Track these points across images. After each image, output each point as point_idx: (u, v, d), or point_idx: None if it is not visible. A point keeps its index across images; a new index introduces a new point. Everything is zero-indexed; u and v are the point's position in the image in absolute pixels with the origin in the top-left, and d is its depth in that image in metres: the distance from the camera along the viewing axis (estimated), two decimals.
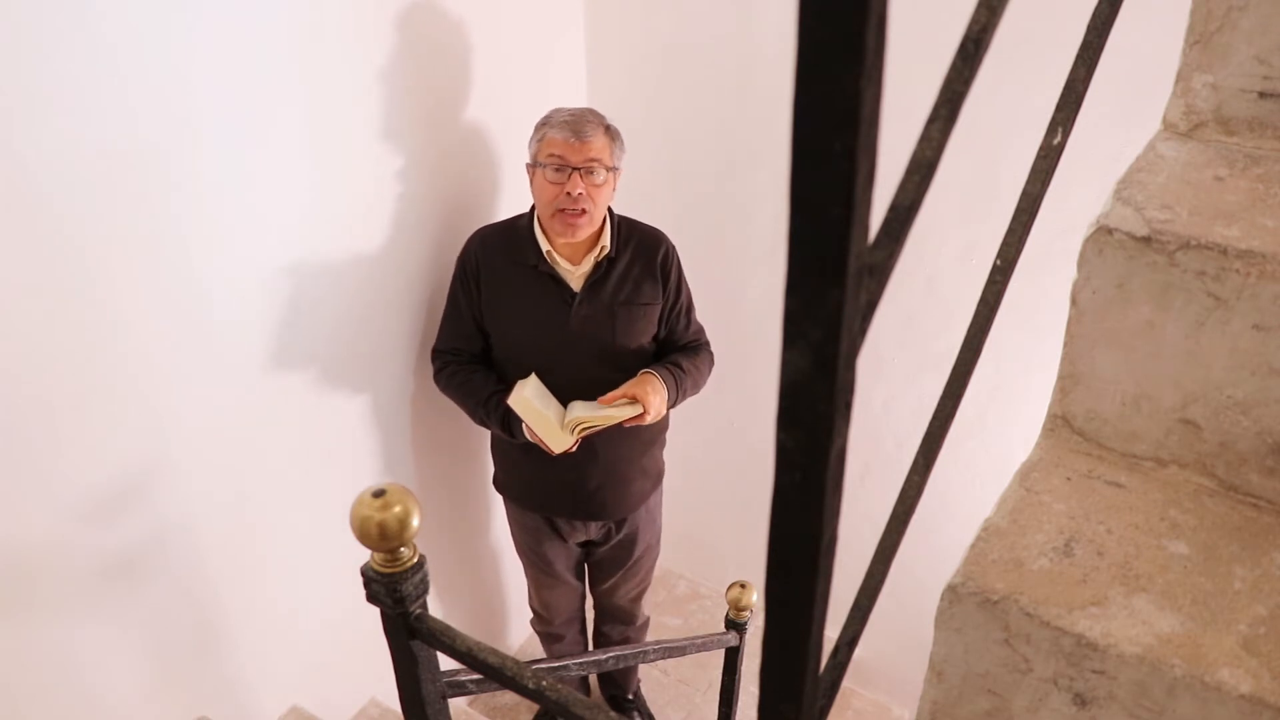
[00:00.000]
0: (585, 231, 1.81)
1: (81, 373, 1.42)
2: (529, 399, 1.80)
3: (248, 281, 1.64)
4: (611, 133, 1.83)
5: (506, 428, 1.90)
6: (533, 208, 1.90)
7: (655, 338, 1.97)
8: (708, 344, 2.05)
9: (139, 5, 1.33)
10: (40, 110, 1.26)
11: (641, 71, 2.36)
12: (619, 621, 2.44)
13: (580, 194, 1.76)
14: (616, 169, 1.85)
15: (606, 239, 1.86)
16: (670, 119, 2.38)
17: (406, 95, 1.84)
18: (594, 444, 1.93)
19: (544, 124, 1.83)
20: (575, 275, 1.88)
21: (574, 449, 1.84)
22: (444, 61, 1.93)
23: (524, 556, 2.29)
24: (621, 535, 2.17)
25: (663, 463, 2.18)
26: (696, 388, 1.98)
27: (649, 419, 1.82)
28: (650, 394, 1.82)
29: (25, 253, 1.30)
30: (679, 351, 1.98)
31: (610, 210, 1.90)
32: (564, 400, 1.86)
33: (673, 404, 1.90)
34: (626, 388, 1.82)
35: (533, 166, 1.84)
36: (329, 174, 1.73)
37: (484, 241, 1.94)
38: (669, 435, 2.17)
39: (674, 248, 1.94)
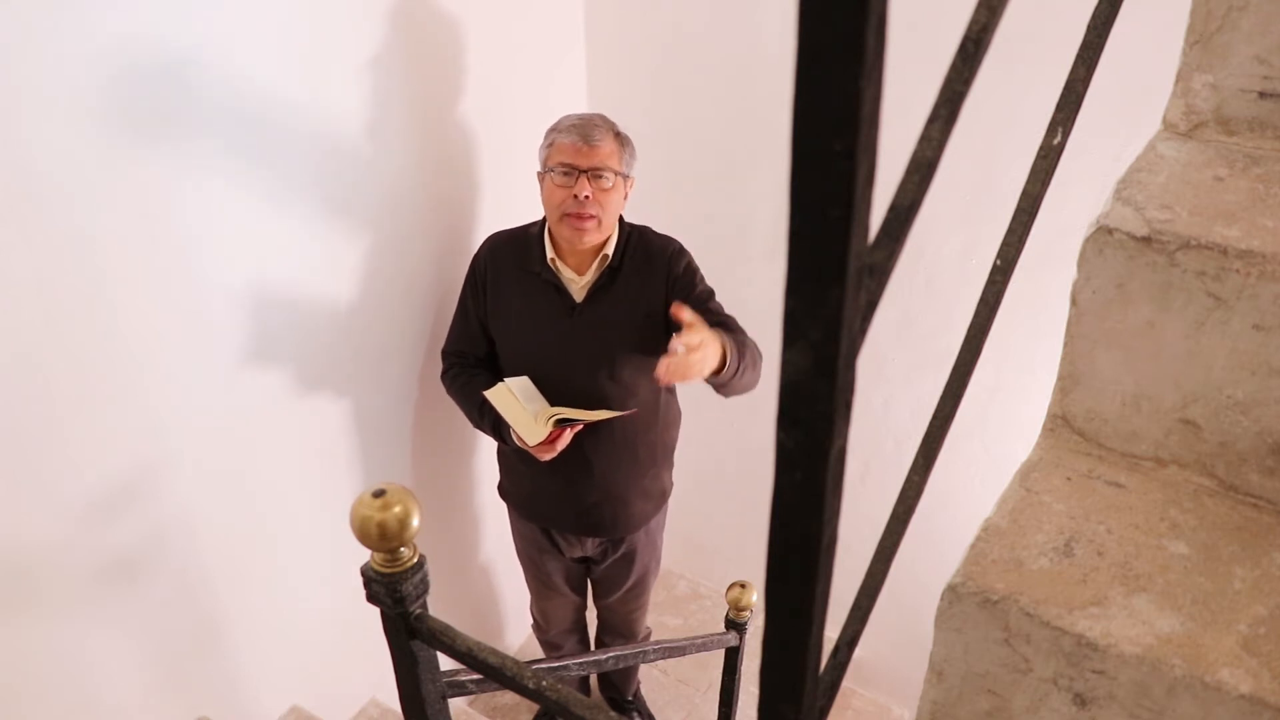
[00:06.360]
0: (593, 237, 1.79)
1: (82, 372, 1.42)
2: (505, 389, 1.78)
3: (249, 282, 1.64)
4: (621, 139, 1.81)
5: (497, 431, 1.89)
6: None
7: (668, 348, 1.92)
8: (745, 333, 1.79)
9: (141, 5, 1.33)
10: (42, 109, 1.26)
11: (641, 72, 2.36)
12: (619, 635, 2.45)
13: (587, 197, 1.73)
14: (627, 176, 1.82)
15: (611, 248, 1.84)
16: (670, 120, 2.37)
17: (409, 98, 1.84)
18: (589, 458, 1.92)
19: (553, 130, 1.81)
20: (578, 284, 1.86)
21: (554, 446, 1.79)
22: (445, 64, 1.93)
23: (524, 565, 2.29)
24: (619, 555, 2.15)
25: (668, 483, 2.13)
26: (755, 368, 1.72)
27: (693, 353, 1.48)
28: (703, 329, 1.53)
29: (26, 252, 1.30)
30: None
31: (623, 220, 1.89)
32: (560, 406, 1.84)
33: (734, 374, 1.63)
34: (692, 315, 1.53)
35: (542, 174, 1.82)
36: (331, 175, 1.73)
37: (494, 246, 1.93)
38: (677, 456, 2.14)
39: (684, 250, 1.90)
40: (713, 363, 1.54)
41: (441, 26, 1.89)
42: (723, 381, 1.65)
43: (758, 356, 1.76)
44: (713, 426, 2.75)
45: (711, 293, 1.90)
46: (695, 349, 1.48)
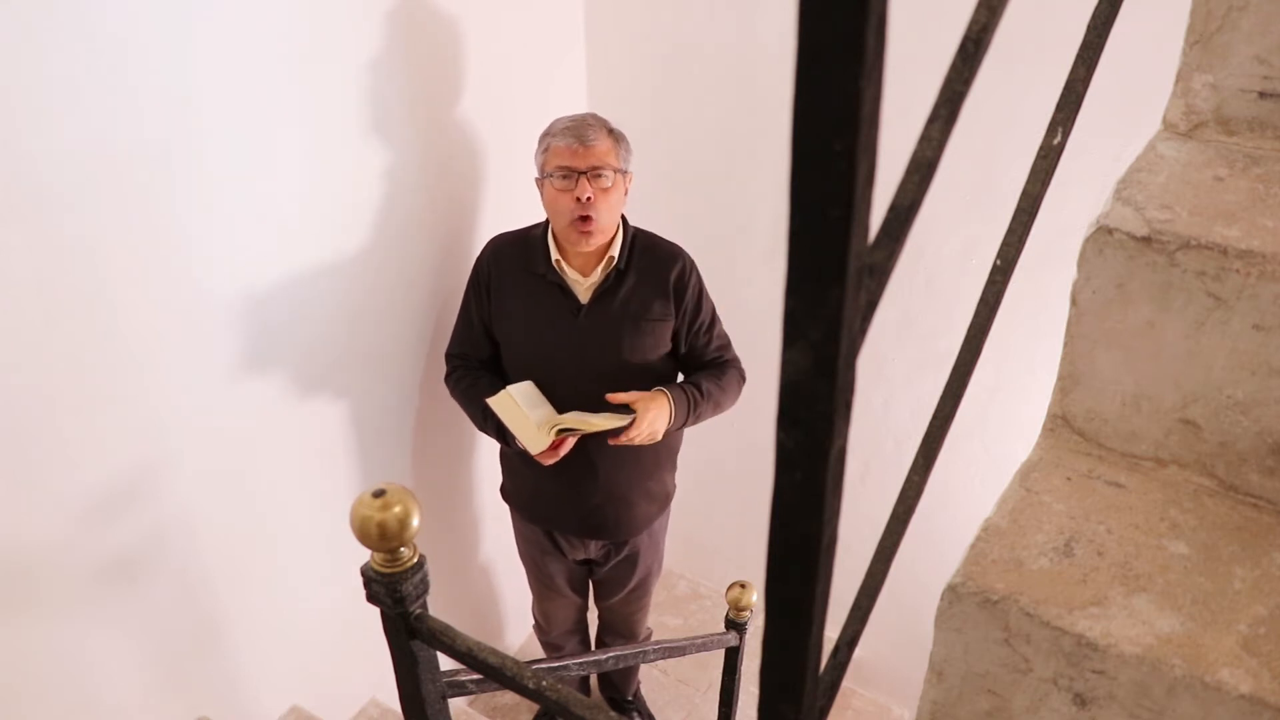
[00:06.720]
0: (598, 240, 1.79)
1: (82, 372, 1.42)
2: (508, 397, 1.79)
3: (249, 282, 1.64)
4: (615, 135, 1.81)
5: (501, 434, 1.89)
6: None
7: (675, 355, 1.93)
8: (736, 360, 1.97)
9: (141, 5, 1.33)
10: (42, 110, 1.26)
11: (641, 72, 2.36)
12: (620, 635, 2.45)
13: (589, 198, 1.73)
14: (625, 171, 1.82)
15: (616, 249, 1.84)
16: (670, 121, 2.37)
17: (408, 99, 1.84)
18: (593, 461, 1.92)
19: (546, 135, 1.81)
20: (583, 286, 1.85)
21: (557, 452, 1.80)
22: (445, 64, 1.93)
23: (526, 566, 2.29)
24: (621, 557, 2.15)
25: (671, 485, 2.14)
26: (719, 408, 1.92)
27: (637, 437, 1.75)
28: (648, 411, 1.76)
29: (27, 252, 1.30)
30: (705, 370, 1.92)
31: (625, 221, 1.88)
32: (565, 410, 1.83)
33: (683, 425, 1.85)
34: (632, 395, 1.78)
35: (541, 180, 1.82)
36: (332, 176, 1.73)
37: (497, 248, 1.93)
38: (679, 456, 2.15)
39: (692, 264, 1.90)
40: (659, 432, 1.79)
41: (441, 26, 1.89)
42: (676, 430, 1.87)
43: (725, 395, 1.92)
44: (713, 426, 2.74)
45: (713, 316, 1.94)
46: (637, 437, 1.76)
